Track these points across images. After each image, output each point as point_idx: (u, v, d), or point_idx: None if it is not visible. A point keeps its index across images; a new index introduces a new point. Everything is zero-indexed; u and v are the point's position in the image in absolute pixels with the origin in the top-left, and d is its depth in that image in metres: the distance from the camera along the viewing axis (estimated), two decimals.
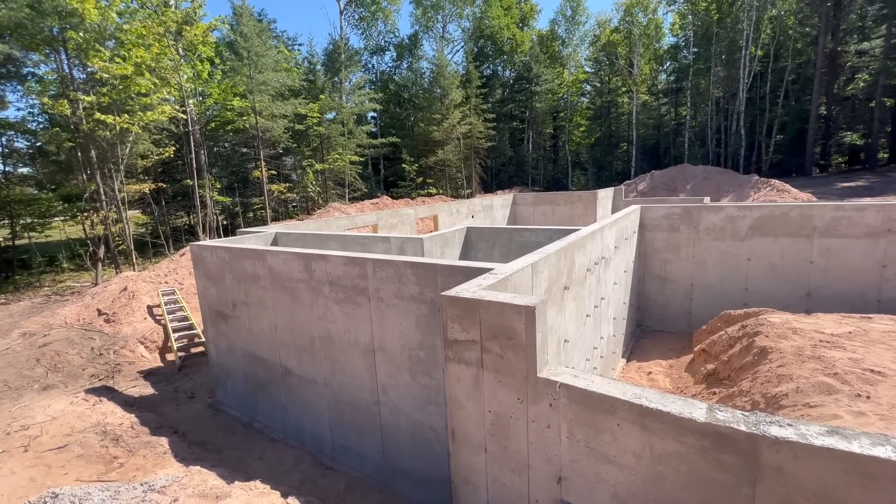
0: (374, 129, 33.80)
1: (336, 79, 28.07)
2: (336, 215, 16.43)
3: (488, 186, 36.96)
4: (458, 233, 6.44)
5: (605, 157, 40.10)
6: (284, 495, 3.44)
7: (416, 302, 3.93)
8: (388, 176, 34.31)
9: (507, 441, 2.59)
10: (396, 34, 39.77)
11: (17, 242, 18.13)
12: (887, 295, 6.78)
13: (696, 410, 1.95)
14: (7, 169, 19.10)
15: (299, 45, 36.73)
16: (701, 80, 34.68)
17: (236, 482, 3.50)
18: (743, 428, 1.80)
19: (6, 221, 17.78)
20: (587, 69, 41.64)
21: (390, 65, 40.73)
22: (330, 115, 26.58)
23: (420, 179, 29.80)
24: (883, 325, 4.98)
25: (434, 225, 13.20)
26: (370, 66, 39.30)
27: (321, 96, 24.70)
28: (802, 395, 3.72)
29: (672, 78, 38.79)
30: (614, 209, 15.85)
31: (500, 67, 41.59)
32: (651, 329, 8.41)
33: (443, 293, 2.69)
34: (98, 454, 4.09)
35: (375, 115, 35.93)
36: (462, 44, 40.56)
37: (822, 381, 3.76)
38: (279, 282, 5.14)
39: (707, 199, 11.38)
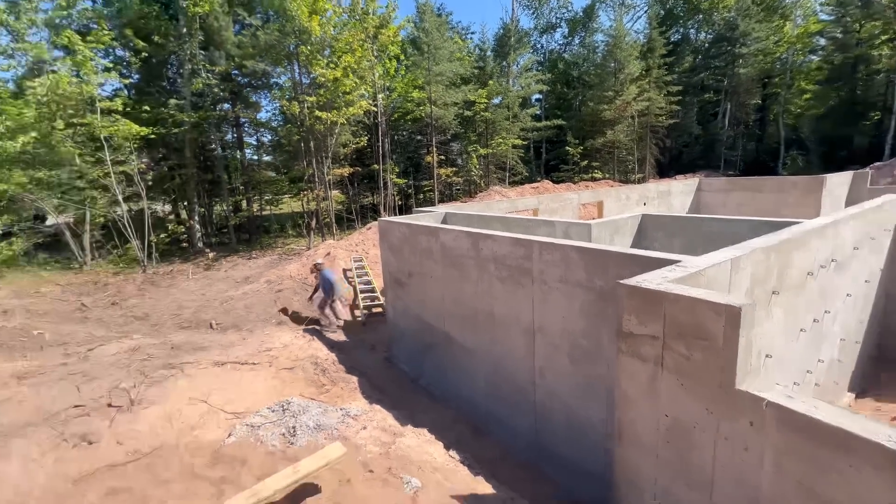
0: (538, 112, 33.13)
1: (504, 63, 28.35)
2: (497, 198, 16.89)
3: (664, 170, 32.50)
4: (631, 220, 5.89)
5: (841, 132, 30.53)
6: (446, 448, 3.83)
7: (582, 288, 3.79)
8: (549, 159, 33.39)
9: (685, 452, 2.33)
10: (569, 9, 37.68)
11: (263, 213, 24.21)
12: None
13: None
14: (255, 157, 25.52)
15: (472, 33, 38.12)
16: None
17: (409, 426, 4.05)
18: None
19: (256, 197, 23.90)
20: (823, 17, 32.04)
21: (560, 43, 39.04)
22: (496, 100, 27.15)
23: (584, 163, 28.10)
24: None
25: (598, 211, 12.36)
26: (538, 46, 38.34)
27: (489, 82, 25.34)
28: None
29: None
30: (851, 200, 12.11)
31: (692, 30, 35.45)
32: None
33: (620, 282, 2.52)
34: (312, 379, 5.26)
35: (541, 96, 35.13)
36: (645, 8, 35.94)
37: None
38: (449, 257, 5.61)
39: None
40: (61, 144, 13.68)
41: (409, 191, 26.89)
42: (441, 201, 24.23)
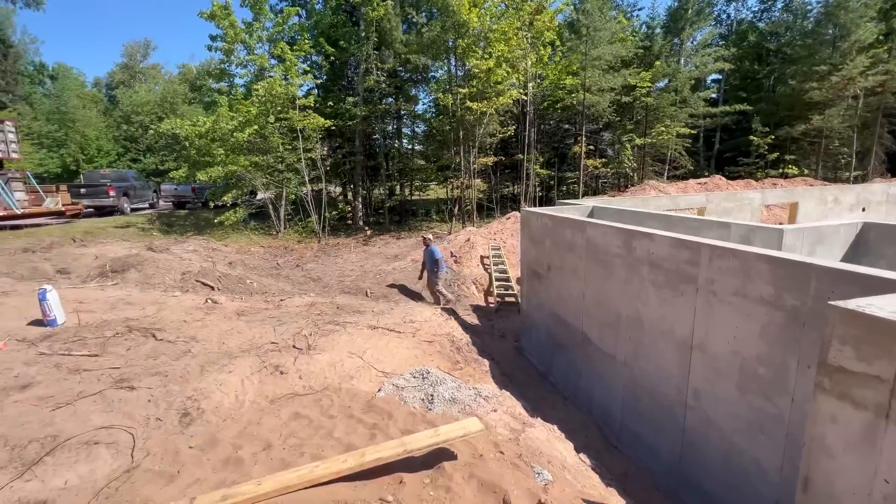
0: (714, 95, 28.30)
1: (676, 40, 24.89)
2: (653, 194, 15.19)
3: None
4: (844, 228, 4.64)
5: None
6: (577, 450, 3.68)
7: (765, 305, 3.17)
8: (723, 151, 28.41)
9: None
10: None
11: (412, 198, 26.46)
12: None
13: None
14: (409, 146, 27.84)
15: (639, 9, 34.43)
16: None
17: (538, 419, 4.01)
18: None
19: (407, 183, 26.19)
20: None
21: (755, 9, 32.47)
22: (661, 84, 24.13)
23: (773, 155, 23.12)
24: None
25: (790, 216, 10.08)
26: (723, 17, 32.55)
27: (656, 63, 22.62)
28: None
29: None
30: None
31: None
32: None
33: (833, 303, 2.02)
34: (448, 355, 5.61)
35: (720, 76, 29.94)
36: None
37: None
38: (594, 253, 5.28)
39: None
40: (271, 135, 17.16)
41: (552, 182, 26.05)
42: (585, 194, 22.91)
